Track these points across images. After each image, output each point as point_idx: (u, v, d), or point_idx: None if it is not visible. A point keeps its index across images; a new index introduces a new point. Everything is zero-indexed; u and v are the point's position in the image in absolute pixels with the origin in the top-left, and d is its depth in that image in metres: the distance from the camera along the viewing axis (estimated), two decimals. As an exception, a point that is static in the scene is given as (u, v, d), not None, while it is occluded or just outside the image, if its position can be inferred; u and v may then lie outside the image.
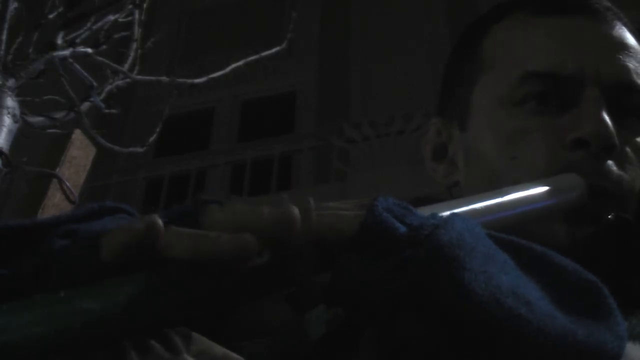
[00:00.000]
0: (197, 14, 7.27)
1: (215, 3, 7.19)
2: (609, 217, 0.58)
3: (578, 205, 0.57)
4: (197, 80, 3.09)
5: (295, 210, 0.38)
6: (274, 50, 3.25)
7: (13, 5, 2.67)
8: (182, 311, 0.36)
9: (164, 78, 3.05)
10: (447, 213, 0.43)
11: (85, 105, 2.70)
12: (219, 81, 3.35)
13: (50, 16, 2.75)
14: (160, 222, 0.36)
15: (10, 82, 2.49)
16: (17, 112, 2.46)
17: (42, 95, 2.77)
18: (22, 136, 2.53)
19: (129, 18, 2.96)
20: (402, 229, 0.39)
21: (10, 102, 2.44)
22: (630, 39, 0.66)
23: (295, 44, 4.76)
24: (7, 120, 2.40)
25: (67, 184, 2.35)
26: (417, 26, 6.30)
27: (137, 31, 2.94)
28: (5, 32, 2.61)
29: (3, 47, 2.57)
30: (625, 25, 0.67)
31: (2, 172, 2.37)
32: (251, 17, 6.75)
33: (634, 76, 0.63)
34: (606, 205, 0.58)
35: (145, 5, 2.99)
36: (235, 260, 0.36)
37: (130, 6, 2.93)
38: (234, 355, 0.39)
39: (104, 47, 2.82)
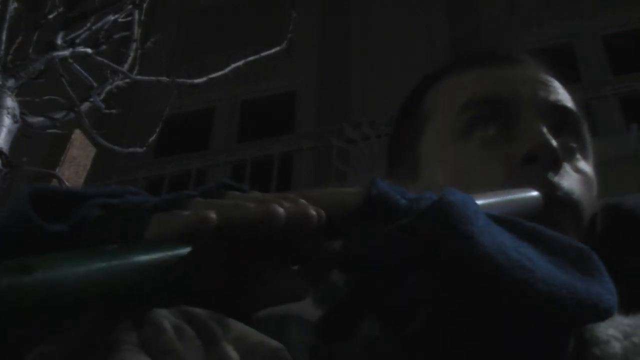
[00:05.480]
0: (197, 14, 7.27)
1: (215, 3, 7.19)
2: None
3: (536, 216, 0.59)
4: (197, 80, 3.10)
5: (312, 211, 0.41)
6: (274, 50, 3.26)
7: (13, 5, 2.67)
8: (218, 276, 0.39)
9: (164, 78, 3.06)
10: None
11: (85, 105, 2.70)
12: (219, 81, 3.36)
13: (50, 16, 2.75)
14: (213, 215, 0.39)
15: (10, 82, 2.49)
16: (17, 112, 2.46)
17: (42, 95, 2.77)
18: (22, 136, 2.53)
19: (129, 18, 2.96)
20: (403, 201, 0.44)
21: (10, 102, 2.44)
22: (555, 81, 0.72)
23: (295, 44, 4.76)
24: (7, 120, 2.40)
25: (67, 184, 2.35)
26: (417, 26, 6.30)
27: (137, 31, 2.94)
28: (5, 32, 2.61)
29: (3, 47, 2.57)
30: (547, 71, 0.73)
31: (2, 172, 2.37)
32: (251, 17, 6.75)
33: (565, 101, 0.69)
34: (563, 214, 0.62)
35: (145, 5, 3.00)
36: (264, 227, 0.39)
37: (130, 6, 2.94)
38: (272, 341, 0.39)
39: (104, 47, 2.82)
